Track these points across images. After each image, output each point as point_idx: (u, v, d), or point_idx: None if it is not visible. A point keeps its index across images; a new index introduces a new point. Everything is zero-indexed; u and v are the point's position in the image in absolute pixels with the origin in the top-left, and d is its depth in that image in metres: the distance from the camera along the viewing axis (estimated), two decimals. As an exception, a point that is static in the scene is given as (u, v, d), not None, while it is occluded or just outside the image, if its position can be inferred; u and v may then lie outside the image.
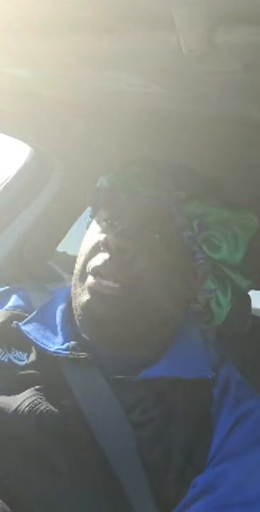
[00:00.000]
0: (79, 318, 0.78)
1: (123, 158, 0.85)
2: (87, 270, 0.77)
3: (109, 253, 0.75)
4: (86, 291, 0.76)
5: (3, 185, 1.13)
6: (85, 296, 0.76)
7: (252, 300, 1.16)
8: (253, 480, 0.67)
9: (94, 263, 0.76)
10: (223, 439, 0.70)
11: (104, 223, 0.80)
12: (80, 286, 0.78)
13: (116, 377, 0.74)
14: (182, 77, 0.56)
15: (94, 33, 0.54)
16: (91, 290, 0.75)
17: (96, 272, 0.75)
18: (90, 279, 0.76)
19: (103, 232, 0.78)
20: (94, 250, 0.77)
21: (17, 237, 1.13)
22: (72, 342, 0.77)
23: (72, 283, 0.81)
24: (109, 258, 0.74)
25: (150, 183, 0.78)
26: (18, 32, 0.59)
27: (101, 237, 0.76)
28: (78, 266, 0.80)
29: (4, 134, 0.99)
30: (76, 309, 0.78)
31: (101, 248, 0.75)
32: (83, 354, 0.75)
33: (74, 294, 0.79)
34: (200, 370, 0.76)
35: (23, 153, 1.13)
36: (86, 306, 0.75)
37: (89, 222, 0.87)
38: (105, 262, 0.74)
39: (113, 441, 0.69)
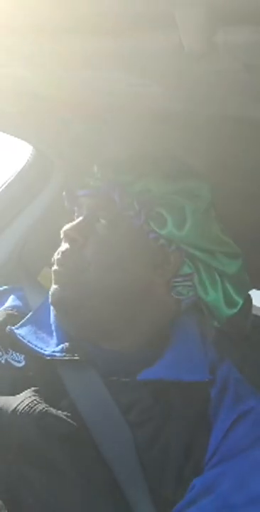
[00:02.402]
0: (52, 308, 0.83)
1: (124, 157, 0.85)
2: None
3: (64, 243, 0.81)
4: (53, 281, 0.81)
5: (3, 186, 1.13)
6: (52, 286, 0.81)
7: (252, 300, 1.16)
8: (249, 484, 0.66)
9: (56, 252, 0.82)
10: (221, 439, 0.70)
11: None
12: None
13: (113, 378, 0.75)
14: (183, 77, 0.56)
15: (95, 33, 0.54)
16: (53, 278, 0.81)
17: (54, 261, 0.81)
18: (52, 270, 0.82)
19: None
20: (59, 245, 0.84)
21: (18, 238, 1.13)
22: (66, 344, 0.77)
23: None
24: (65, 248, 0.81)
25: (99, 177, 0.83)
26: (19, 32, 0.59)
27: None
28: None
29: (5, 133, 1.00)
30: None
31: (63, 240, 0.82)
32: (77, 356, 0.75)
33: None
34: (198, 373, 0.76)
35: (23, 153, 1.13)
36: (51, 295, 0.80)
37: None
38: (58, 252, 0.81)
39: (110, 441, 0.70)
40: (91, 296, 0.78)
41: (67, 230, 0.81)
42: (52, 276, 0.81)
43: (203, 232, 0.79)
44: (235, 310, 0.84)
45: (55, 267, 0.81)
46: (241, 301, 0.84)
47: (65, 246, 0.81)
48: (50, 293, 0.80)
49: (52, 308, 0.84)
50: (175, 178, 0.80)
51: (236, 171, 0.83)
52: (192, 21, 0.46)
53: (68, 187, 0.87)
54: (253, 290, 1.34)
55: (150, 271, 0.79)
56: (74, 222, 0.82)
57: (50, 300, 0.81)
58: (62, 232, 0.82)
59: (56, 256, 0.81)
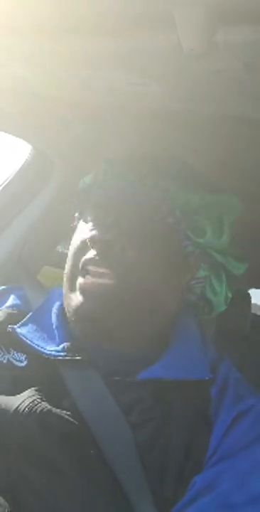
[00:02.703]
0: (72, 320, 0.78)
1: (124, 157, 0.85)
2: (77, 269, 0.78)
3: (97, 248, 0.76)
4: (77, 293, 0.76)
5: (3, 185, 1.13)
6: (77, 298, 0.76)
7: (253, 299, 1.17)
8: (249, 482, 0.66)
9: (83, 259, 0.77)
10: (221, 438, 0.70)
11: (91, 222, 0.80)
12: (70, 288, 0.78)
13: (114, 378, 0.74)
14: (182, 76, 0.56)
15: (94, 33, 0.54)
16: (82, 291, 0.76)
17: (86, 266, 0.76)
18: (80, 280, 0.76)
19: (90, 230, 0.79)
20: (83, 249, 0.78)
21: (17, 237, 1.13)
22: (68, 343, 0.77)
23: (63, 284, 0.81)
24: (98, 252, 0.75)
25: (133, 179, 0.79)
26: (19, 32, 0.59)
27: (89, 234, 0.77)
28: (68, 267, 0.80)
29: (5, 133, 1.00)
30: (68, 312, 0.78)
31: (89, 244, 0.76)
32: (78, 356, 0.75)
33: (65, 295, 0.80)
34: (199, 372, 0.76)
35: (23, 152, 1.13)
36: (78, 309, 0.75)
37: (75, 226, 0.87)
38: (94, 256, 0.75)
39: (112, 441, 0.69)
40: (131, 307, 0.76)
41: (99, 232, 0.76)
42: (83, 288, 0.75)
43: (235, 241, 0.82)
44: (226, 306, 0.86)
45: (89, 279, 0.76)
46: (230, 297, 0.86)
47: (93, 251, 0.76)
48: (75, 306, 0.76)
49: (55, 309, 0.83)
50: (211, 189, 0.81)
51: (235, 170, 0.84)
52: (192, 21, 0.46)
53: (91, 186, 0.83)
54: (253, 290, 1.35)
55: (174, 275, 0.80)
56: (103, 225, 0.77)
57: (73, 313, 0.76)
58: (92, 235, 0.76)
59: (87, 259, 0.76)
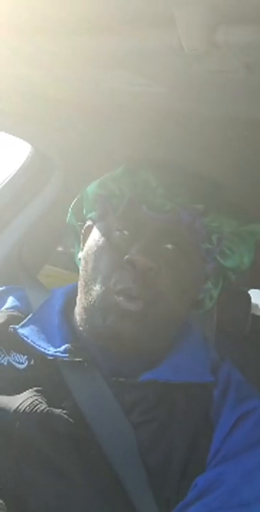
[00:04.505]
0: (89, 334, 0.77)
1: (125, 158, 0.85)
2: (109, 288, 0.74)
3: (134, 273, 0.73)
4: (112, 312, 0.73)
5: (3, 185, 1.13)
6: (111, 317, 0.73)
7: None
8: (251, 482, 0.67)
9: (119, 284, 0.73)
10: (223, 439, 0.71)
11: (118, 233, 0.78)
12: (101, 305, 0.75)
13: (116, 379, 0.75)
14: (183, 77, 0.56)
15: (96, 33, 0.54)
16: (118, 310, 0.73)
17: (116, 288, 0.73)
18: (115, 300, 0.73)
19: (120, 244, 0.76)
20: (113, 265, 0.75)
21: (17, 237, 1.13)
22: (69, 344, 0.77)
23: (86, 297, 0.78)
24: (136, 278, 0.72)
25: (169, 195, 0.78)
26: (20, 32, 0.59)
27: (121, 251, 0.75)
28: (95, 281, 0.76)
29: (5, 132, 1.00)
30: (87, 324, 0.77)
31: (126, 266, 0.73)
32: (80, 358, 0.75)
33: (91, 310, 0.76)
34: (200, 375, 0.76)
35: (23, 152, 1.13)
36: (112, 328, 0.73)
37: (89, 227, 0.86)
38: (133, 284, 0.73)
39: (113, 442, 0.70)
40: (156, 327, 0.75)
41: (138, 255, 0.73)
42: (119, 308, 0.73)
43: None
44: None
45: (125, 299, 0.73)
46: None
47: (130, 275, 0.73)
48: (97, 323, 0.74)
49: (57, 309, 0.83)
50: (238, 214, 0.83)
51: (237, 171, 0.84)
52: (192, 21, 0.46)
53: (123, 195, 0.80)
54: (253, 290, 1.35)
55: (194, 292, 0.82)
56: (140, 245, 0.74)
57: (107, 331, 0.74)
58: (131, 257, 0.73)
59: (125, 288, 0.73)
